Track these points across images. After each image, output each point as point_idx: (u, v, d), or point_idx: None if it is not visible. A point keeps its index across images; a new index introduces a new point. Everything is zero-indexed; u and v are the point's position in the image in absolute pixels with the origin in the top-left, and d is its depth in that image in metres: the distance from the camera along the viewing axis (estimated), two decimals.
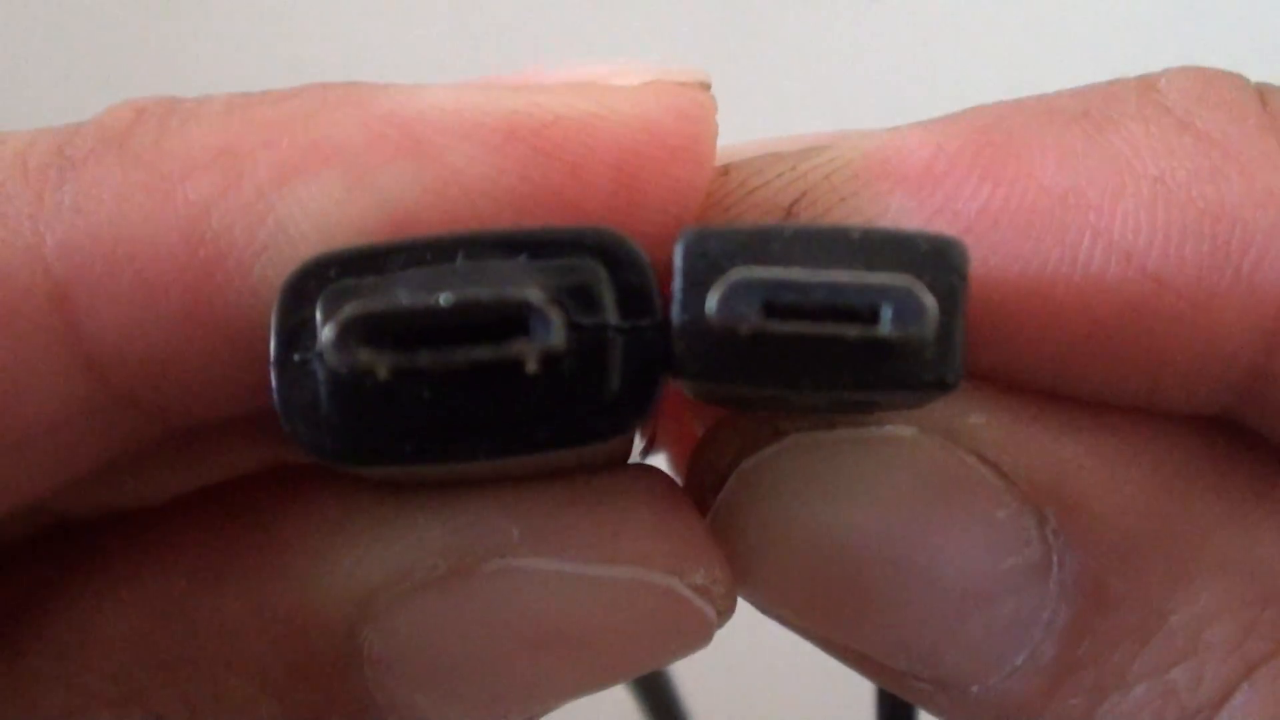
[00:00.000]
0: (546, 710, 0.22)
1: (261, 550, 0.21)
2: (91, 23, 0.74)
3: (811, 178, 0.21)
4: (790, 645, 0.25)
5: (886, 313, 0.18)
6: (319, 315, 0.18)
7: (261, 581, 0.21)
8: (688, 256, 0.18)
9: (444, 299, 0.17)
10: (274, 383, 0.18)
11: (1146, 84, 0.21)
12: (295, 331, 0.18)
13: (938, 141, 0.21)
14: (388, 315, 0.17)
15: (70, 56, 0.74)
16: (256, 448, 0.23)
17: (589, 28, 0.73)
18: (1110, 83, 0.21)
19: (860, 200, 0.21)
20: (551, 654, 0.21)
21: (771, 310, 0.18)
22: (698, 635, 0.22)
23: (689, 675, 0.39)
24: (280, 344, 0.18)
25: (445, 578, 0.20)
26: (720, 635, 0.22)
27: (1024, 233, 0.20)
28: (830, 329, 0.18)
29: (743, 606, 0.23)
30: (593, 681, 0.22)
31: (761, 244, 0.18)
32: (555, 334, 0.17)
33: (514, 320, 0.17)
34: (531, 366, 0.17)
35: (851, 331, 0.18)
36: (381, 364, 0.17)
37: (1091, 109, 0.21)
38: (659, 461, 0.28)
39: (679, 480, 0.23)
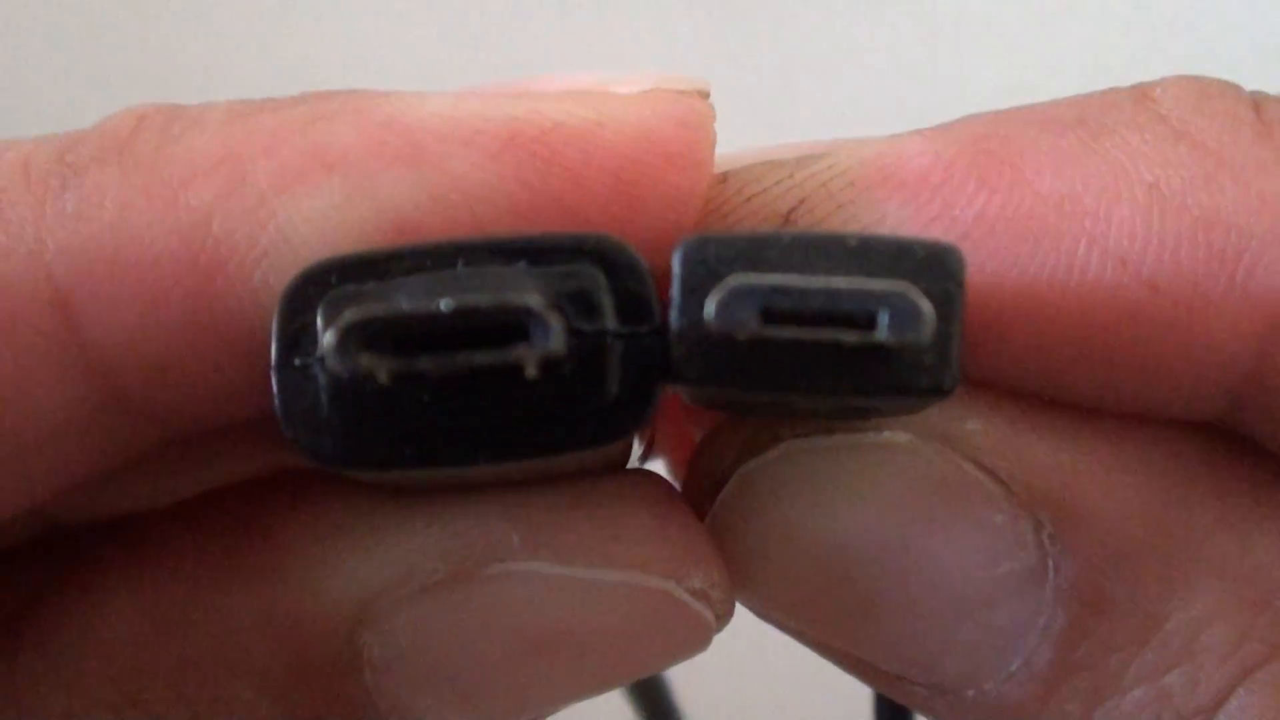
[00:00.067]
0: (546, 714, 0.22)
1: (262, 554, 0.21)
2: (94, 30, 0.74)
3: (809, 185, 0.21)
4: (787, 650, 0.25)
5: (884, 318, 0.18)
6: (320, 320, 0.18)
7: (262, 585, 0.21)
8: (686, 263, 0.18)
9: (444, 304, 0.17)
10: (275, 388, 0.18)
11: (1142, 92, 0.21)
12: (296, 337, 0.18)
13: (934, 149, 0.21)
14: (388, 320, 0.17)
15: (72, 64, 0.74)
16: (257, 453, 0.23)
17: (589, 35, 0.73)
18: (1106, 91, 0.21)
19: (857, 207, 0.21)
20: (550, 658, 0.21)
21: (769, 316, 0.18)
22: (696, 639, 0.22)
23: (686, 680, 0.39)
24: (281, 349, 0.18)
25: (445, 582, 0.20)
26: (717, 640, 0.22)
27: (1020, 239, 0.20)
28: (828, 335, 0.18)
29: (740, 611, 0.23)
30: (592, 685, 0.22)
31: (759, 250, 0.18)
32: (555, 339, 0.17)
33: (514, 326, 0.17)
34: (531, 372, 0.17)
35: (849, 337, 0.18)
36: (382, 369, 0.17)
37: (1087, 117, 0.21)
38: (657, 467, 0.28)
39: (677, 485, 0.23)
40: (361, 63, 0.73)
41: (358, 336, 0.17)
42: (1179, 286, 0.19)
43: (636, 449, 0.25)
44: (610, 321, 0.18)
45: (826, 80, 0.71)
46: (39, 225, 0.19)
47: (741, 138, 0.22)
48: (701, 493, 0.22)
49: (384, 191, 0.19)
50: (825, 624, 0.23)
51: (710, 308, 0.18)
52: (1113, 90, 0.21)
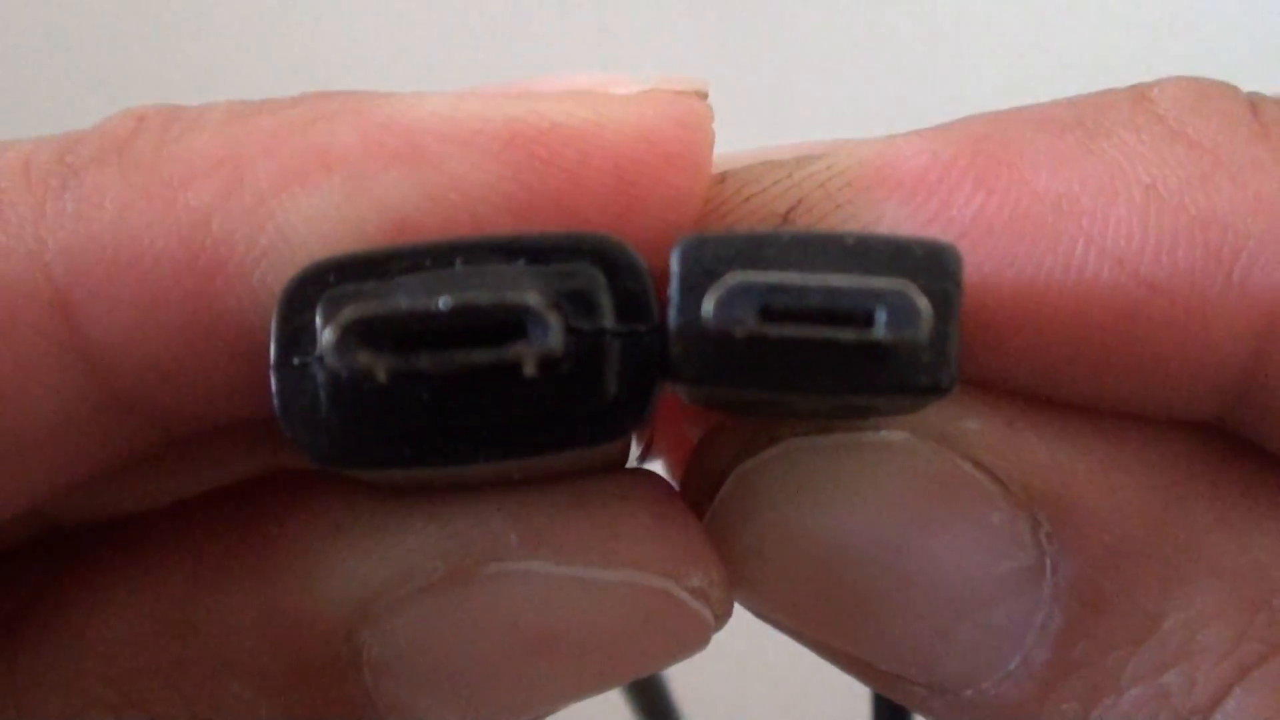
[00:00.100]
0: (545, 713, 0.22)
1: (261, 554, 0.21)
2: (94, 31, 0.74)
3: (807, 185, 0.21)
4: (785, 650, 0.25)
5: (881, 316, 0.18)
6: (319, 318, 0.18)
7: (261, 585, 0.21)
8: (685, 261, 0.18)
9: (443, 302, 0.17)
10: (274, 386, 0.18)
11: (1139, 93, 0.21)
12: (295, 336, 0.18)
13: (932, 149, 0.21)
14: (387, 318, 0.17)
15: (73, 65, 0.74)
16: (256, 453, 0.23)
17: (588, 35, 0.73)
18: (1103, 92, 0.21)
19: (855, 207, 0.21)
20: (549, 657, 0.21)
21: (768, 314, 0.18)
22: (695, 638, 0.22)
23: (684, 680, 0.39)
24: (280, 348, 0.18)
25: (444, 581, 0.20)
26: (715, 640, 0.22)
27: (1018, 239, 0.20)
28: (826, 332, 0.18)
29: (738, 611, 0.23)
30: (591, 685, 0.22)
31: (758, 249, 0.18)
32: (553, 337, 0.17)
33: (512, 324, 0.17)
34: (529, 370, 0.17)
35: (847, 335, 0.18)
36: (380, 366, 0.17)
37: (1085, 118, 0.21)
38: (655, 468, 0.28)
39: (676, 486, 0.23)
40: (361, 64, 0.73)
41: (357, 334, 0.17)
42: (1176, 285, 0.19)
43: (635, 450, 0.25)
44: (609, 320, 0.18)
45: (826, 80, 0.71)
46: (39, 225, 0.19)
47: (741, 138, 0.22)
48: (700, 492, 0.22)
49: (383, 191, 0.19)
50: (823, 623, 0.23)
51: (709, 305, 0.18)
52: (1110, 91, 0.21)
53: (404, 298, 0.17)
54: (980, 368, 0.21)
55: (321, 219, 0.19)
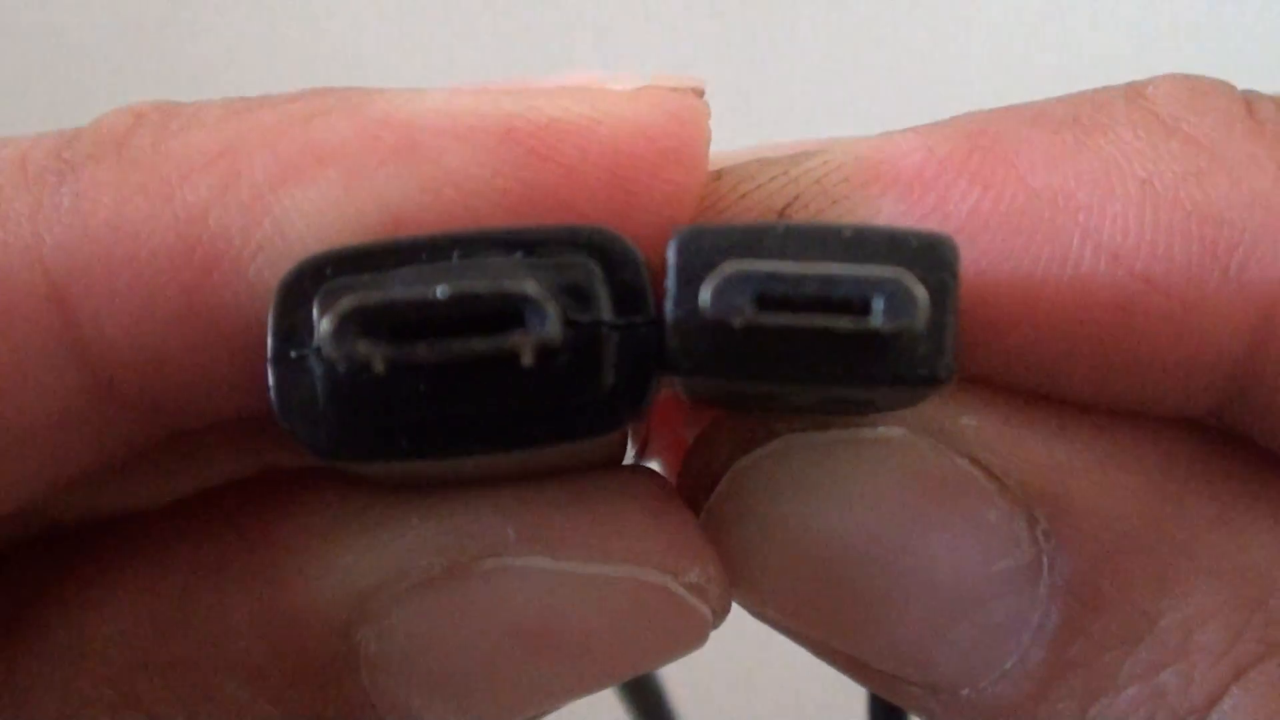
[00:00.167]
0: (544, 711, 0.22)
1: (257, 552, 0.21)
2: (92, 28, 0.75)
3: (804, 181, 0.21)
4: (782, 651, 0.25)
5: (878, 304, 0.18)
6: (316, 309, 0.18)
7: (258, 584, 0.21)
8: (682, 252, 0.18)
9: (441, 291, 0.17)
10: (271, 379, 0.18)
11: (1135, 90, 0.21)
12: (292, 328, 0.18)
13: (928, 145, 0.21)
14: (385, 307, 0.17)
15: (70, 62, 0.74)
16: (252, 452, 0.23)
17: (588, 35, 0.73)
18: (1099, 89, 0.22)
19: (852, 203, 0.21)
20: (547, 653, 0.21)
21: (764, 302, 0.18)
22: (694, 634, 0.22)
23: (682, 681, 0.39)
24: (277, 341, 0.18)
25: (441, 577, 0.20)
26: (711, 641, 0.22)
27: (1014, 234, 0.20)
28: (823, 321, 0.18)
29: (734, 613, 0.23)
30: (589, 682, 0.22)
31: (754, 240, 0.18)
32: (551, 326, 0.17)
33: (510, 314, 0.17)
34: (527, 359, 0.17)
35: (844, 324, 0.18)
36: (378, 356, 0.17)
37: (1080, 114, 0.21)
38: (652, 468, 0.28)
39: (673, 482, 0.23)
40: (360, 62, 0.73)
41: (355, 323, 0.17)
42: (1172, 280, 0.20)
43: (631, 449, 0.25)
44: (606, 312, 0.18)
45: (823, 80, 0.71)
46: (36, 220, 0.19)
47: (737, 138, 0.22)
48: (696, 489, 0.22)
49: (380, 186, 0.19)
50: (818, 621, 0.23)
51: (705, 295, 0.18)
52: (1106, 88, 0.21)
53: (401, 287, 0.17)
54: (977, 363, 0.21)
55: (318, 213, 0.19)
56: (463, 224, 0.19)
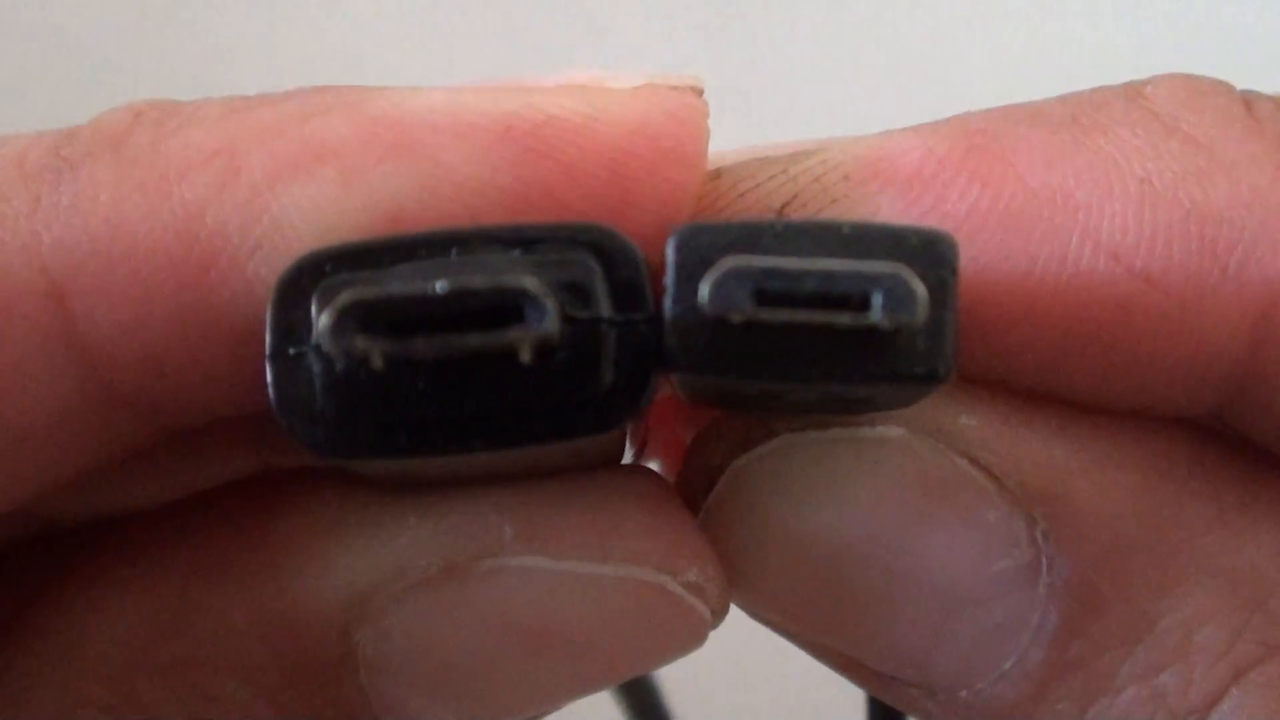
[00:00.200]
0: (543, 712, 0.22)
1: (256, 553, 0.21)
2: (92, 28, 0.75)
3: (802, 180, 0.21)
4: (780, 653, 0.25)
5: (878, 300, 0.18)
6: (314, 305, 0.18)
7: (256, 584, 0.21)
8: (680, 249, 0.18)
9: (440, 286, 0.17)
10: (269, 377, 0.18)
11: (1134, 90, 0.21)
12: (290, 325, 0.18)
13: (927, 144, 0.21)
14: (384, 302, 0.17)
15: (70, 61, 0.74)
16: (252, 452, 0.23)
17: (587, 35, 0.73)
18: (1097, 89, 0.22)
19: (851, 202, 0.21)
20: (546, 653, 0.21)
21: (763, 298, 0.18)
22: (692, 634, 0.22)
23: (680, 681, 0.39)
24: (275, 338, 0.18)
25: (439, 577, 0.20)
26: (709, 643, 0.22)
27: (1012, 233, 0.20)
28: (822, 317, 0.18)
29: (732, 614, 0.23)
30: (588, 682, 0.22)
31: (753, 237, 0.18)
32: (550, 322, 0.17)
33: (509, 310, 0.17)
34: (526, 355, 0.17)
35: (843, 319, 0.18)
36: (376, 351, 0.17)
37: (1079, 114, 0.21)
38: (651, 467, 0.28)
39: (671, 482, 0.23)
40: (359, 62, 0.73)
41: (353, 318, 0.17)
42: (1171, 279, 0.20)
43: (629, 449, 0.25)
44: (605, 309, 0.18)
45: (822, 79, 0.71)
46: (34, 218, 0.19)
47: (735, 138, 0.22)
48: (694, 489, 0.22)
49: (378, 183, 0.19)
50: (816, 622, 0.23)
51: (704, 290, 0.18)
52: (1104, 88, 0.21)
53: (400, 282, 0.17)
54: (976, 363, 0.21)
55: (316, 211, 0.19)
56: (461, 221, 0.19)
